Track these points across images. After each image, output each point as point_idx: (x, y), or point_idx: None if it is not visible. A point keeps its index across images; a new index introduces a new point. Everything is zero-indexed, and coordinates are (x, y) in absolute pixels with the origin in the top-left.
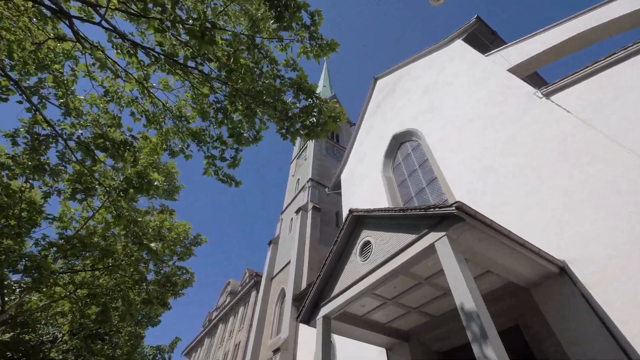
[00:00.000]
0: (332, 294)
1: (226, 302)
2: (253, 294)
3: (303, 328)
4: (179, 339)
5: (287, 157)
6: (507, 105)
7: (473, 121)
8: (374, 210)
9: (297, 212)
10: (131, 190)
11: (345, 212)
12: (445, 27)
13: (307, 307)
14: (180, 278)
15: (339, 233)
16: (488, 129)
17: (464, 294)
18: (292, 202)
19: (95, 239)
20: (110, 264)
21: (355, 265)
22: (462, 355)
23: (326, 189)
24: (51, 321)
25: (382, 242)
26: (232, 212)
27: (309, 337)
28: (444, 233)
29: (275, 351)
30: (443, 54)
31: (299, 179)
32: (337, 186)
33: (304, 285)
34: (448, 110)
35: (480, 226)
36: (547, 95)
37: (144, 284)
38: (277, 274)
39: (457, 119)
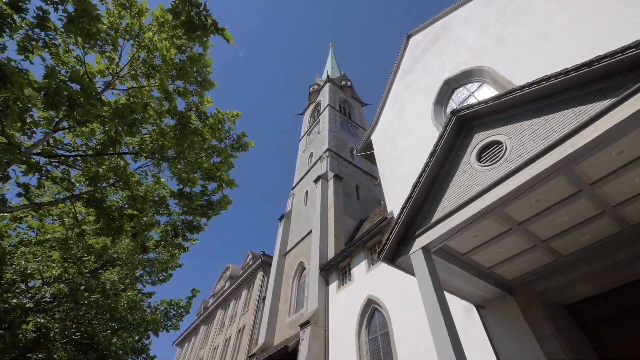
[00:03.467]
0: (432, 220)
1: (225, 287)
2: (259, 274)
3: (334, 299)
4: (197, 291)
5: (273, 147)
6: (633, 4)
7: (575, 36)
8: (507, 94)
9: (315, 181)
10: None
11: (382, 170)
12: None
13: (392, 241)
14: (226, 174)
15: (438, 142)
16: (601, 38)
17: None
18: (304, 176)
19: (106, 107)
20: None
21: (473, 176)
22: (594, 308)
23: (355, 151)
24: (29, 258)
25: (526, 134)
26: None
27: (340, 308)
28: None
29: (303, 325)
30: None
31: (312, 153)
32: (366, 149)
33: (330, 254)
34: (527, 39)
35: None
36: None
37: (163, 206)
38: (292, 249)
39: (543, 44)
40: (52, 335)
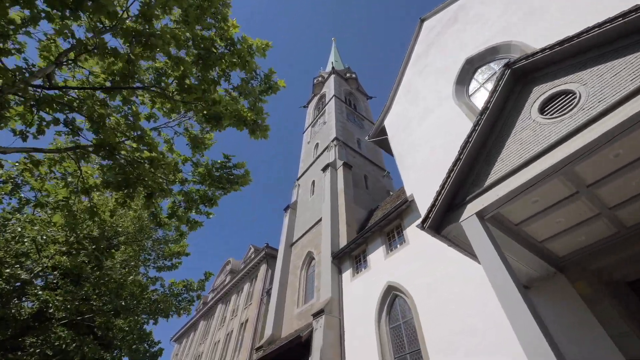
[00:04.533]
0: (486, 183)
1: (226, 282)
2: (262, 267)
3: (348, 287)
4: (210, 274)
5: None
6: None
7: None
8: (581, 34)
9: (324, 169)
10: None
11: (399, 155)
12: None
13: (437, 209)
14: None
15: (490, 98)
16: None
17: None
18: (310, 167)
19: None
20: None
21: (536, 131)
22: None
23: (367, 137)
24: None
25: (606, 77)
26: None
27: (356, 297)
28: None
29: (317, 314)
30: None
31: (317, 144)
32: (378, 135)
33: (342, 242)
34: (562, 8)
35: None
36: None
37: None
38: (298, 239)
39: (578, 12)
40: (51, 311)
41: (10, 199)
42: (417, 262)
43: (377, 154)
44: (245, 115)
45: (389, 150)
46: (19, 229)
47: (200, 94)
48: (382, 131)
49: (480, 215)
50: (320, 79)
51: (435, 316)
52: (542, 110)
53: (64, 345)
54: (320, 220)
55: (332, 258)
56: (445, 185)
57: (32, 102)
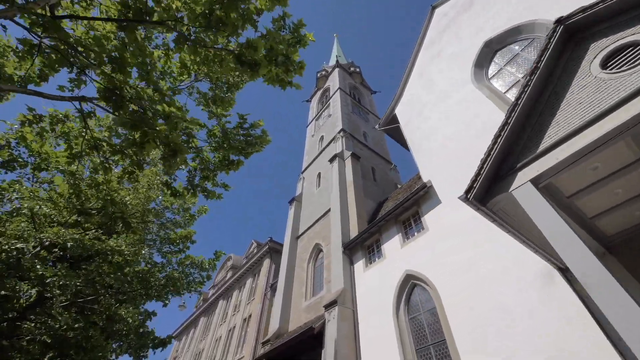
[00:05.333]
0: (540, 148)
1: (227, 278)
2: (266, 262)
3: (361, 278)
4: (221, 253)
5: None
6: None
7: None
8: None
9: (331, 160)
10: None
11: (413, 142)
12: None
13: (483, 177)
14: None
15: (540, 58)
16: None
17: None
18: (315, 159)
19: None
20: None
21: (599, 88)
22: None
23: (377, 126)
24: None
25: None
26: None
27: (370, 287)
28: None
29: (329, 306)
30: None
31: (322, 136)
32: (389, 123)
33: (353, 233)
34: None
35: None
36: None
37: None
38: (305, 232)
39: None
40: (49, 288)
41: (6, 173)
42: (451, 241)
43: (383, 147)
44: (277, 53)
45: (398, 139)
46: (16, 197)
47: (231, 31)
48: (393, 120)
49: (535, 182)
50: (323, 72)
51: (468, 295)
52: (604, 65)
53: (65, 327)
54: (327, 211)
55: (343, 249)
56: (492, 152)
57: (35, 30)
